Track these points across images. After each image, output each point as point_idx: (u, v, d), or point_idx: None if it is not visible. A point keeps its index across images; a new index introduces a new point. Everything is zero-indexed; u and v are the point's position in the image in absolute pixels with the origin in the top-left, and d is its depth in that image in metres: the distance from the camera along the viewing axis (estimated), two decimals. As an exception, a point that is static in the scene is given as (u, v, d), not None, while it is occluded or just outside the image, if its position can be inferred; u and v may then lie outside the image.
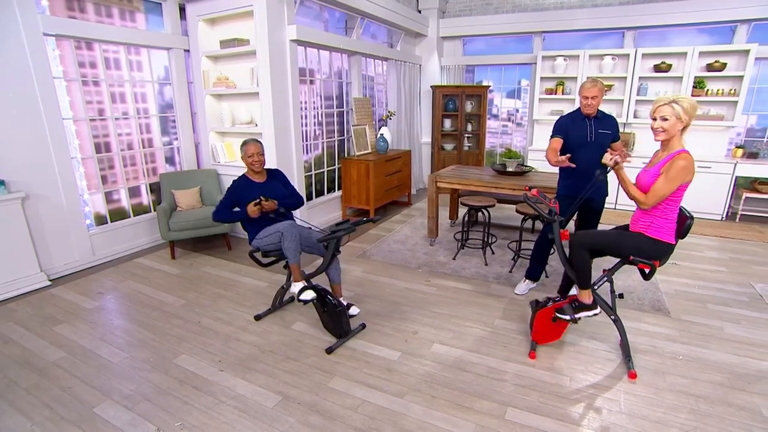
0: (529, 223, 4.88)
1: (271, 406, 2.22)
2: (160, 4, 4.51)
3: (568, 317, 2.50)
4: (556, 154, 3.00)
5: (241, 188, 2.94)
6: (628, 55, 5.89)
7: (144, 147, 4.61)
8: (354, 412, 2.17)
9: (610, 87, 6.13)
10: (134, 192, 4.63)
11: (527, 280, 3.50)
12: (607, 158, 2.37)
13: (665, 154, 2.26)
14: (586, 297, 2.49)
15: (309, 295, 2.72)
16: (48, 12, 3.72)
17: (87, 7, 4.02)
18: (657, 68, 5.80)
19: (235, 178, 3.02)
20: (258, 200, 2.81)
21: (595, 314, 2.51)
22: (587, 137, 3.08)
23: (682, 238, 2.35)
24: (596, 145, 3.04)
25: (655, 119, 2.23)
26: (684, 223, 2.33)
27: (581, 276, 2.45)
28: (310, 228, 3.11)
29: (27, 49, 3.42)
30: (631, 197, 2.29)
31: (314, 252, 2.98)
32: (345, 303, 2.94)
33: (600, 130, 3.08)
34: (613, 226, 2.62)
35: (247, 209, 2.80)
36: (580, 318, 2.51)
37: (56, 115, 3.67)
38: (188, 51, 4.72)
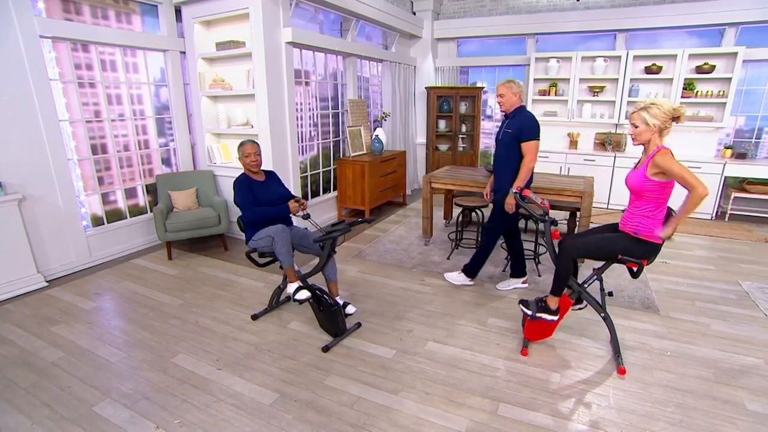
0: (522, 223, 4.94)
1: (268, 403, 2.26)
2: (156, 6, 4.53)
3: (529, 312, 2.58)
4: None
5: (250, 185, 2.97)
6: (619, 57, 5.98)
7: (140, 148, 4.63)
8: (350, 408, 2.22)
9: (601, 88, 6.22)
10: (131, 193, 4.64)
11: (513, 279, 3.60)
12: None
13: (647, 155, 2.34)
14: (553, 303, 2.57)
15: (304, 294, 2.77)
16: (44, 14, 3.74)
17: (83, 9, 4.04)
18: (648, 70, 5.89)
19: (233, 178, 3.04)
20: (299, 198, 2.96)
21: (552, 320, 2.58)
22: (498, 135, 3.30)
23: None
24: (501, 143, 3.26)
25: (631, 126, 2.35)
26: (670, 223, 2.39)
27: (558, 282, 2.53)
28: (306, 229, 3.15)
29: (23, 51, 3.44)
30: (695, 207, 2.19)
31: (311, 252, 3.03)
32: (341, 302, 3.00)
33: (506, 129, 3.22)
34: (602, 225, 2.69)
35: (290, 206, 2.92)
36: (538, 318, 2.58)
37: (52, 117, 3.69)
38: (184, 53, 4.74)
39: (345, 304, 3.05)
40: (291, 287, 2.81)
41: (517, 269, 3.57)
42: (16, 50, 3.41)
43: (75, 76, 3.95)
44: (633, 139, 2.36)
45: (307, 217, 2.98)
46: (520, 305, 2.64)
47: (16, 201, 3.46)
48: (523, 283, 3.59)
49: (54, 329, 2.99)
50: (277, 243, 2.77)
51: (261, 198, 2.94)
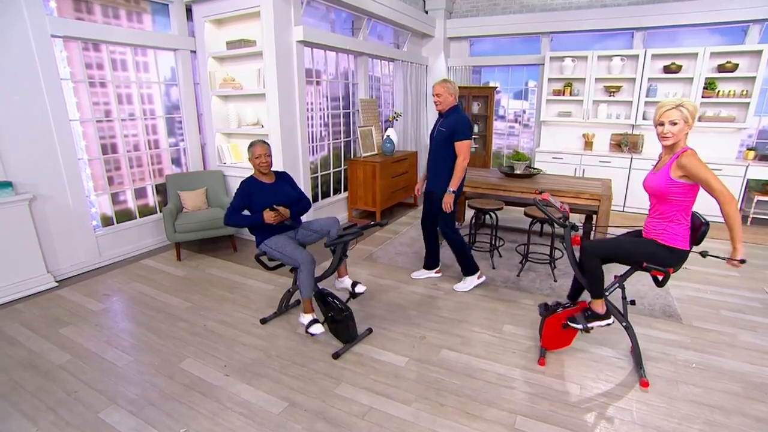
0: (537, 227, 4.82)
1: (277, 412, 2.19)
2: (167, 5, 4.51)
3: (580, 326, 2.43)
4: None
5: (251, 190, 2.87)
6: (637, 55, 5.82)
7: (150, 148, 4.61)
8: (361, 419, 2.14)
9: (618, 88, 6.07)
10: (140, 193, 4.62)
11: (425, 270, 3.83)
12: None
13: (669, 156, 2.21)
14: (599, 306, 2.43)
15: (318, 329, 2.70)
16: (56, 13, 3.72)
17: (94, 9, 4.02)
18: (667, 69, 5.72)
19: (242, 179, 2.98)
20: (273, 207, 2.77)
21: (608, 324, 2.45)
22: (433, 133, 3.38)
23: (698, 244, 2.30)
24: (434, 141, 3.35)
25: (662, 124, 2.18)
26: (699, 230, 2.28)
27: (594, 284, 2.39)
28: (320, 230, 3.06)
29: (35, 51, 3.42)
30: (735, 217, 2.21)
31: (315, 238, 2.99)
32: (350, 281, 3.01)
33: (440, 128, 3.30)
34: (625, 231, 2.58)
35: (264, 216, 2.74)
36: (592, 328, 2.44)
37: (63, 117, 3.67)
38: (195, 52, 4.71)
39: (355, 284, 2.99)
40: (305, 318, 2.75)
41: (432, 261, 3.79)
42: (27, 50, 3.39)
43: (86, 76, 3.93)
44: (666, 138, 2.17)
45: (292, 224, 2.91)
46: (568, 322, 2.46)
47: (26, 201, 3.44)
48: (436, 272, 3.83)
49: (62, 331, 2.96)
50: (303, 272, 2.69)
51: (270, 201, 2.85)
